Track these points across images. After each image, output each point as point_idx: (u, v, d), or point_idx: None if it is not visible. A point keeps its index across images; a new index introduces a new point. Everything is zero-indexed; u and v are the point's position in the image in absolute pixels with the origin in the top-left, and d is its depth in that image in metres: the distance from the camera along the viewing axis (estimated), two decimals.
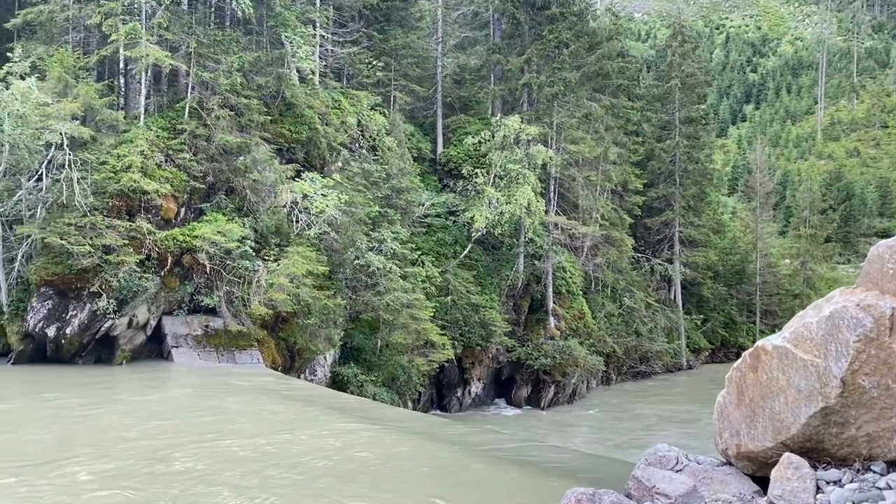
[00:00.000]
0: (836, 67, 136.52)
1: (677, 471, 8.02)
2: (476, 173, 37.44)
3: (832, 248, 68.55)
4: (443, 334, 32.57)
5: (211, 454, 13.40)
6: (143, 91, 26.01)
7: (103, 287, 22.62)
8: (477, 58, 44.46)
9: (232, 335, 24.45)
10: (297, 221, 27.00)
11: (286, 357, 26.49)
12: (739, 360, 7.60)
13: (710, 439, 8.16)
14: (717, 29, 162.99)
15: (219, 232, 24.20)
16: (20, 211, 23.64)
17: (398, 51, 40.27)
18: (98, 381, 21.69)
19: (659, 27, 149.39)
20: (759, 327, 57.93)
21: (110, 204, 23.53)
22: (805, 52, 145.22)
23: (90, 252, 22.30)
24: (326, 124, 31.88)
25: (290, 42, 29.34)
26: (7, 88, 23.08)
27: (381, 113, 36.85)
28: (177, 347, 24.09)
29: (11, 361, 23.23)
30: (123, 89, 27.30)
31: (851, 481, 6.54)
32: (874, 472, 6.56)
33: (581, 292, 42.96)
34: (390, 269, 29.55)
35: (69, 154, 23.04)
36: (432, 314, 31.64)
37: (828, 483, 6.63)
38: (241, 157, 26.52)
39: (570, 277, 41.53)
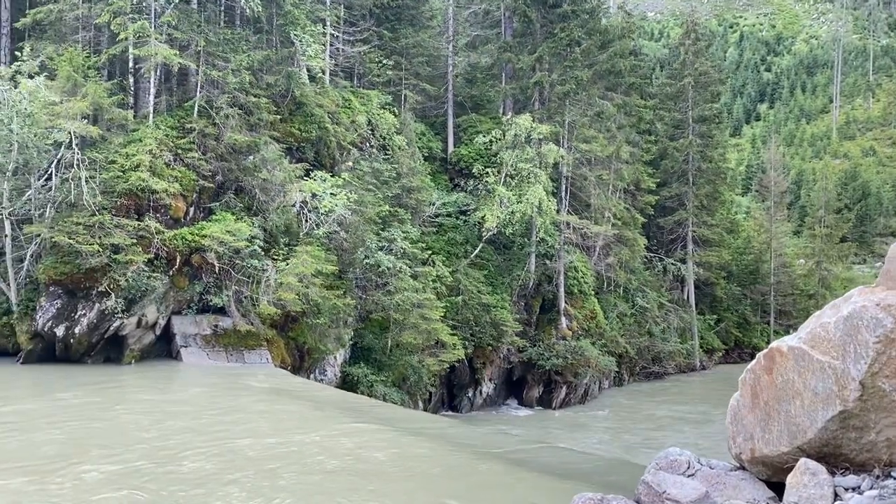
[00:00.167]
0: (851, 66, 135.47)
1: (689, 475, 7.80)
2: (487, 172, 37.25)
3: (848, 247, 67.92)
4: (453, 334, 32.43)
5: (222, 454, 13.35)
6: (153, 90, 25.94)
7: (112, 286, 22.55)
8: (488, 56, 44.24)
9: (241, 335, 24.35)
10: (306, 221, 26.87)
11: (295, 357, 26.37)
12: (753, 362, 7.37)
13: (724, 440, 7.96)
14: (731, 27, 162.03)
15: (228, 231, 24.10)
16: (29, 210, 23.60)
17: (409, 49, 40.12)
18: (108, 380, 21.63)
19: (672, 26, 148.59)
20: (773, 328, 57.56)
21: (119, 203, 23.46)
22: (820, 50, 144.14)
23: (98, 251, 22.24)
24: (336, 123, 31.76)
25: (300, 40, 29.22)
26: (15, 87, 23.03)
27: (391, 112, 36.71)
28: (186, 347, 24.01)
29: (21, 361, 23.20)
30: (133, 88, 27.23)
31: (871, 488, 6.32)
32: (895, 478, 6.32)
33: (593, 292, 42.71)
34: (400, 268, 29.41)
35: (77, 153, 22.98)
36: (443, 314, 31.50)
37: (846, 490, 6.42)
38: (251, 157, 26.41)
39: (582, 277, 41.27)
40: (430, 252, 33.74)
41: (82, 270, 22.46)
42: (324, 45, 33.08)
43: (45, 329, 22.83)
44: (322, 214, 26.55)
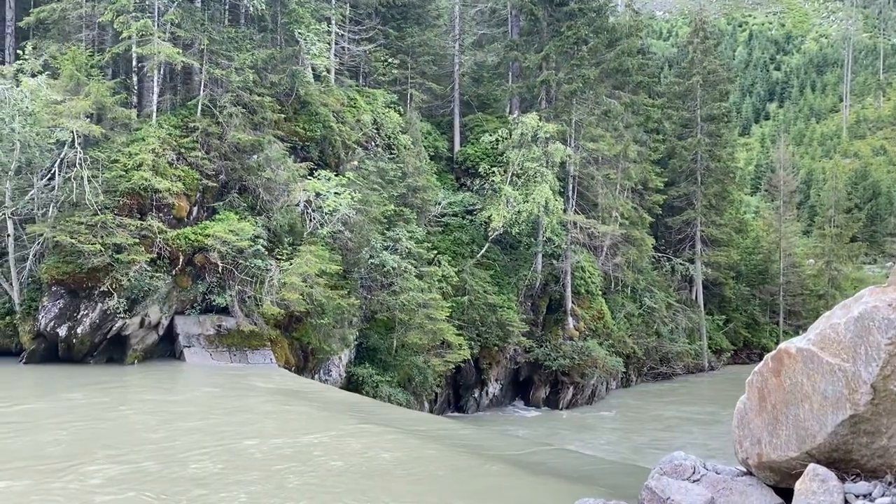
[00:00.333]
0: (861, 64, 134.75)
1: (694, 481, 7.57)
2: (493, 172, 37.04)
3: (858, 247, 67.45)
4: (459, 334, 32.25)
5: (228, 455, 13.32)
6: (156, 89, 25.84)
7: (114, 286, 22.45)
8: (494, 55, 44.00)
9: (244, 335, 24.21)
10: (310, 220, 26.71)
11: (300, 357, 26.22)
12: (761, 364, 7.14)
13: (733, 441, 7.77)
14: (740, 26, 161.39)
15: (231, 231, 23.97)
16: (32, 210, 23.51)
17: (415, 48, 39.93)
18: (111, 381, 21.56)
19: (681, 25, 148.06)
20: (782, 328, 57.20)
21: (121, 202, 23.36)
22: (830, 49, 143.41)
23: (101, 251, 22.13)
24: (341, 122, 31.60)
25: (304, 39, 29.05)
26: (17, 86, 22.92)
27: (397, 111, 36.52)
28: (189, 347, 23.89)
29: (23, 361, 23.11)
30: (136, 87, 27.13)
31: (883, 495, 6.10)
32: None
33: (600, 292, 42.45)
34: (405, 268, 29.23)
35: (80, 152, 22.87)
36: (449, 314, 31.31)
37: (857, 497, 6.21)
38: (255, 156, 26.26)
39: (589, 277, 41.02)
40: (435, 252, 33.57)
41: (84, 270, 22.36)
42: (329, 43, 32.92)
43: (48, 329, 22.73)
44: (326, 214, 26.38)
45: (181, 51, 25.40)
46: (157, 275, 23.34)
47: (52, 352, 23.32)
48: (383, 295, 29.21)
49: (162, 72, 26.11)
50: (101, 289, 22.55)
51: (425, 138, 38.94)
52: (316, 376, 27.16)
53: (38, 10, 26.63)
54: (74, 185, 22.52)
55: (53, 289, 22.78)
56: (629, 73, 46.40)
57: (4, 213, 23.32)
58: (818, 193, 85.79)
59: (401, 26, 40.45)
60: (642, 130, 50.05)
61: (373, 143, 34.00)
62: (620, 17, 55.01)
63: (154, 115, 25.65)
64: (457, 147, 41.67)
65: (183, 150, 25.23)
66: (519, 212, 35.28)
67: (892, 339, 5.92)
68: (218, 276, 24.51)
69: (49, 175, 23.49)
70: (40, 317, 22.78)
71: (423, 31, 40.99)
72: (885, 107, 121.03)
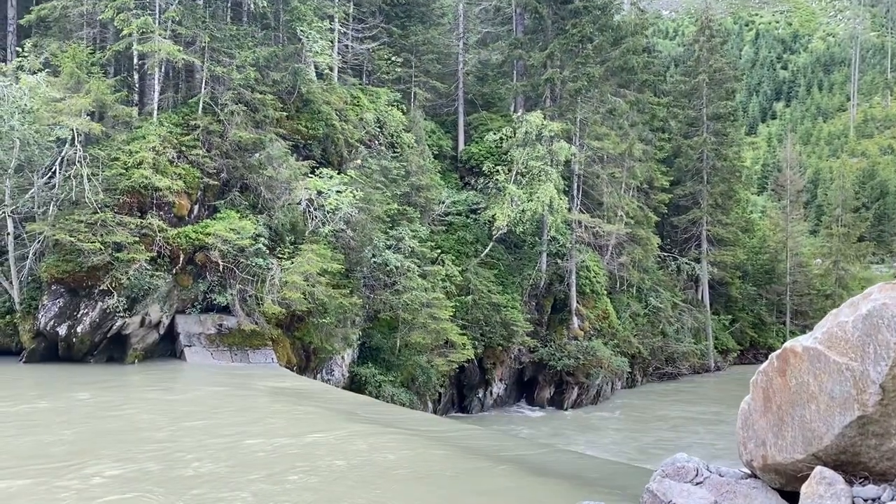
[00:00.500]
0: (869, 63, 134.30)
1: (697, 483, 7.38)
2: (497, 170, 36.84)
3: (865, 247, 67.11)
4: (463, 334, 32.07)
5: (231, 455, 13.22)
6: (157, 87, 25.70)
7: (114, 285, 22.31)
8: (499, 53, 43.80)
9: (245, 334, 24.05)
10: (312, 219, 26.54)
11: (301, 357, 26.06)
12: (766, 363, 6.93)
13: (736, 443, 7.56)
14: (747, 26, 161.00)
15: (232, 229, 23.81)
16: (32, 208, 23.39)
17: (419, 47, 39.76)
18: (112, 380, 21.45)
19: (687, 24, 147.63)
20: (789, 328, 57.00)
21: (121, 201, 23.22)
22: (837, 48, 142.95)
23: (100, 249, 21.99)
24: (344, 121, 31.44)
25: (307, 37, 28.89)
26: (16, 83, 22.80)
27: (400, 110, 36.35)
28: (190, 346, 23.73)
29: (23, 360, 22.98)
30: (138, 85, 27.01)
31: (892, 499, 5.96)
32: None
33: (605, 292, 42.24)
34: (409, 267, 29.05)
35: (80, 150, 22.73)
36: (452, 314, 31.15)
37: (865, 500, 6.06)
38: (257, 154, 26.11)
39: (594, 277, 40.81)
40: (439, 251, 33.40)
41: (84, 269, 22.22)
42: (331, 41, 32.75)
43: (48, 328, 22.60)
44: (328, 212, 26.21)
45: (182, 48, 25.24)
46: (158, 273, 23.20)
47: (52, 351, 23.19)
48: (386, 294, 29.04)
49: (163, 69, 25.97)
50: (101, 287, 22.41)
51: (429, 137, 38.79)
52: (318, 376, 26.99)
53: (39, 7, 26.53)
54: (74, 183, 22.39)
55: (53, 287, 22.65)
56: (634, 71, 46.16)
57: (4, 212, 23.20)
58: (825, 193, 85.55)
59: (404, 24, 40.29)
60: (648, 129, 49.81)
61: (376, 142, 33.84)
62: (626, 16, 54.72)
63: (155, 112, 25.52)
64: (461, 146, 41.49)
65: (184, 148, 25.09)
66: (523, 211, 35.08)
67: None
68: (219, 274, 24.35)
69: (49, 173, 23.35)
70: (40, 316, 22.65)
71: (427, 29, 40.82)
72: (893, 106, 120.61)
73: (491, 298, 34.78)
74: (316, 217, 26.47)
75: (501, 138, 38.46)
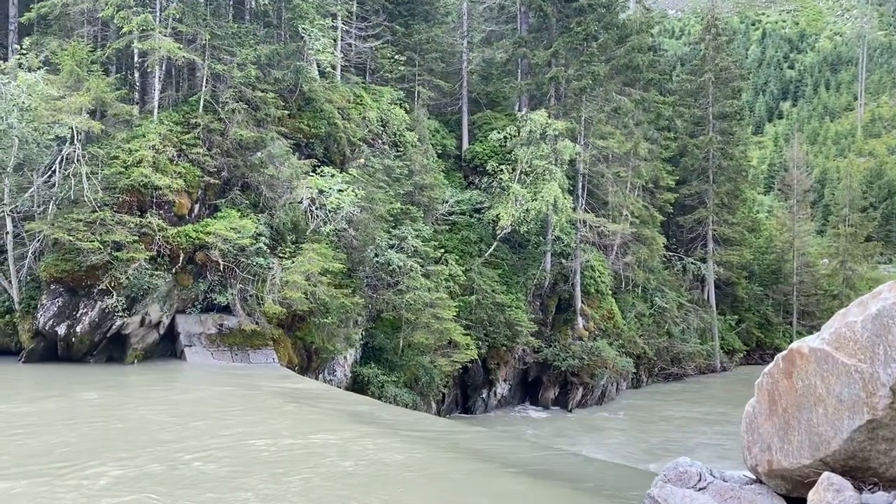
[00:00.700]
0: (876, 63, 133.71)
1: (700, 489, 7.15)
2: (501, 170, 36.65)
3: (873, 247, 66.69)
4: (467, 334, 31.87)
5: (235, 457, 13.10)
6: (158, 85, 25.53)
7: (112, 284, 22.13)
8: (503, 52, 43.57)
9: (246, 334, 23.86)
10: (314, 218, 26.35)
11: (303, 357, 25.86)
12: (771, 365, 6.70)
13: (741, 447, 7.33)
14: (753, 25, 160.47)
15: (232, 228, 23.63)
16: (32, 207, 23.24)
17: (422, 45, 39.55)
18: (112, 381, 21.32)
19: (693, 24, 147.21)
20: (796, 328, 56.70)
21: (120, 199, 23.04)
22: (844, 47, 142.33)
23: (99, 248, 21.82)
24: (347, 119, 31.24)
25: (308, 34, 28.69)
26: (15, 81, 22.65)
27: (403, 108, 36.15)
28: (190, 346, 23.55)
29: (22, 360, 22.85)
30: (139, 83, 26.86)
31: None
32: None
33: (610, 292, 42.00)
34: (412, 267, 28.84)
35: (79, 148, 22.57)
36: (456, 314, 30.94)
37: None
38: (258, 153, 25.92)
39: (599, 277, 40.57)
40: (443, 250, 33.20)
41: (83, 268, 22.05)
42: (334, 39, 32.56)
43: (47, 328, 22.44)
44: (330, 212, 26.01)
45: (182, 46, 25.07)
46: (158, 273, 23.01)
47: (52, 351, 23.03)
48: (389, 294, 28.85)
49: (163, 67, 25.80)
50: (100, 287, 22.24)
51: (433, 136, 38.59)
52: (320, 376, 26.81)
53: (39, 5, 26.37)
54: (73, 181, 22.23)
55: (52, 287, 22.50)
56: (640, 69, 45.87)
57: (3, 211, 23.06)
58: (832, 192, 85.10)
59: (408, 23, 40.07)
60: (653, 128, 49.52)
61: (379, 141, 33.63)
62: (632, 15, 54.42)
63: (156, 111, 25.35)
64: (465, 145, 41.29)
65: (184, 147, 24.91)
66: (527, 210, 34.86)
67: None
68: (219, 274, 24.17)
69: (49, 172, 23.20)
70: (39, 315, 22.50)
71: (431, 27, 40.60)
72: None
73: (495, 298, 34.56)
74: (317, 216, 26.27)
75: (505, 137, 38.26)
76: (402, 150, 34.45)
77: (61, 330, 22.43)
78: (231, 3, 29.10)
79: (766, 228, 65.99)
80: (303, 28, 28.76)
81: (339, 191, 26.04)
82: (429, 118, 38.77)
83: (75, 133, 22.69)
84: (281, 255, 24.83)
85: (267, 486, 11.23)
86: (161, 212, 23.65)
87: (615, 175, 41.57)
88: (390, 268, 28.85)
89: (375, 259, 28.82)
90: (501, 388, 36.88)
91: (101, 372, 22.15)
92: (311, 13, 29.14)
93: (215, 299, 24.34)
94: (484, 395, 36.09)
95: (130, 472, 11.72)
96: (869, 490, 5.98)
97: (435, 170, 36.01)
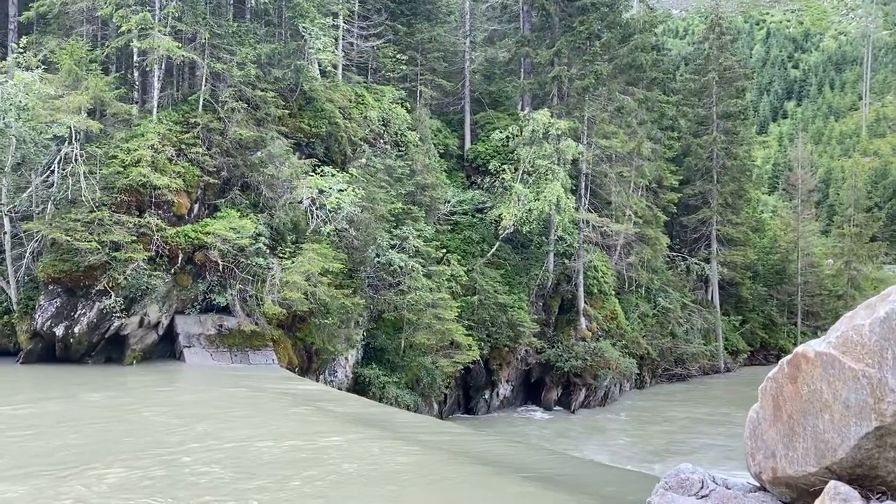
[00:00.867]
0: (881, 62, 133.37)
1: (702, 497, 6.96)
2: (504, 169, 36.45)
3: (878, 247, 66.39)
4: (469, 335, 31.70)
5: (238, 459, 13.00)
6: (157, 84, 25.37)
7: (111, 285, 21.97)
8: (506, 51, 43.37)
9: (246, 335, 23.69)
10: (314, 218, 26.17)
11: (303, 357, 25.69)
12: (775, 369, 6.48)
13: (744, 454, 7.13)
14: (758, 24, 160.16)
15: (231, 228, 23.45)
16: (30, 207, 23.09)
17: (424, 45, 39.36)
18: (111, 382, 21.18)
19: (697, 24, 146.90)
20: (800, 329, 56.48)
21: (119, 199, 22.88)
22: (849, 46, 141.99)
23: (97, 249, 21.66)
24: (348, 119, 31.05)
25: (309, 33, 28.51)
26: (11, 80, 22.50)
27: (406, 108, 35.98)
28: (189, 347, 23.39)
29: (20, 361, 22.71)
30: (139, 82, 26.71)
31: None
32: None
33: (614, 292, 41.78)
34: (413, 267, 28.67)
35: (76, 148, 22.42)
36: (458, 314, 30.78)
37: None
38: (258, 152, 25.74)
39: (603, 277, 40.35)
40: (445, 251, 33.04)
41: (81, 268, 21.91)
42: (335, 38, 32.38)
43: (45, 328, 22.30)
44: (330, 212, 25.83)
45: (182, 45, 24.91)
46: (156, 273, 22.85)
47: (50, 351, 22.90)
48: (390, 294, 28.69)
49: (163, 67, 25.64)
50: (98, 287, 22.10)
51: (435, 135, 38.41)
52: (321, 377, 26.66)
53: (38, 4, 26.22)
54: (71, 181, 22.07)
55: (50, 287, 22.35)
56: (643, 68, 45.59)
57: (1, 211, 22.93)
58: (837, 192, 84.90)
59: (410, 22, 39.89)
60: (657, 127, 49.29)
61: (380, 141, 33.46)
62: (635, 15, 54.15)
63: (155, 110, 25.19)
64: (467, 145, 41.11)
65: (183, 147, 24.75)
66: (530, 210, 34.68)
67: None
68: (219, 274, 24.00)
69: (48, 172, 23.04)
70: (37, 316, 22.35)
71: (433, 27, 40.41)
72: None
73: (497, 299, 34.38)
74: (318, 216, 26.09)
75: (508, 137, 38.08)
76: (403, 149, 34.28)
77: (59, 331, 22.29)
78: (231, 1, 28.97)
79: (771, 228, 65.74)
80: (303, 27, 28.58)
81: (340, 191, 25.86)
82: (431, 118, 38.58)
83: (73, 132, 22.53)
84: (281, 255, 24.65)
85: (268, 490, 11.15)
86: (160, 212, 23.48)
87: (618, 175, 41.36)
88: (392, 268, 28.69)
89: (377, 259, 28.66)
90: (504, 389, 36.70)
91: (100, 373, 22.01)
92: (312, 12, 28.97)
93: (214, 300, 24.18)
94: (486, 396, 35.92)
95: (132, 476, 11.63)
96: (877, 499, 5.79)
97: (437, 169, 35.84)
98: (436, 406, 31.68)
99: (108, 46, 25.55)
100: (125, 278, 22.01)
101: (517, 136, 37.39)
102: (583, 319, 38.58)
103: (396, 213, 30.58)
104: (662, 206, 48.30)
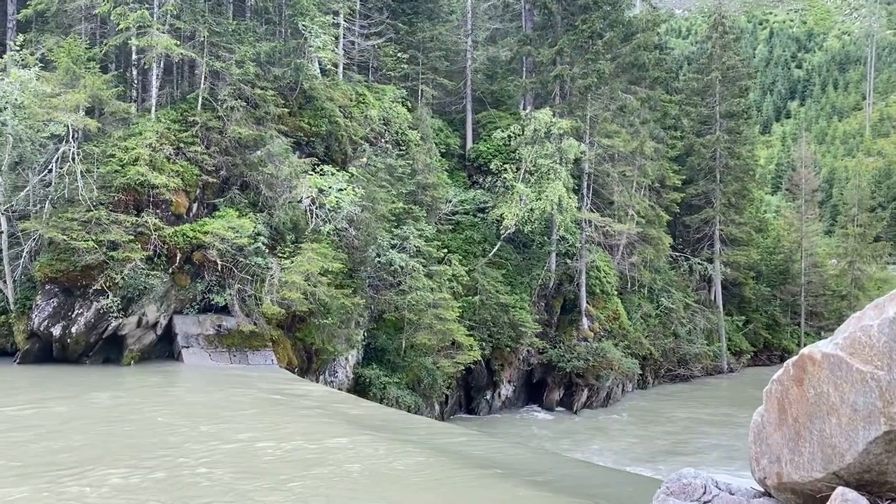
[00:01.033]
0: (885, 62, 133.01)
1: (704, 503, 6.75)
2: (505, 169, 36.22)
3: (882, 247, 66.04)
4: (470, 335, 31.52)
5: (238, 461, 12.95)
6: (156, 82, 25.19)
7: (108, 284, 21.79)
8: (508, 50, 43.17)
9: (245, 335, 23.52)
10: (313, 217, 25.98)
11: (303, 358, 25.51)
12: (781, 371, 6.28)
13: (749, 459, 6.92)
14: (761, 24, 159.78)
15: (230, 228, 23.27)
16: (27, 206, 22.92)
17: (426, 43, 39.14)
18: (110, 382, 21.02)
19: (700, 24, 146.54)
20: (804, 329, 56.15)
21: (116, 198, 22.71)
22: (852, 46, 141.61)
23: (94, 248, 21.48)
24: (349, 118, 30.86)
25: (309, 31, 28.31)
26: (7, 78, 22.33)
27: (407, 107, 35.78)
28: (187, 347, 23.23)
29: (17, 361, 22.56)
30: (138, 81, 26.55)
31: None
32: None
33: (616, 292, 41.56)
34: (414, 267, 28.48)
35: (73, 146, 22.25)
36: (459, 314, 30.60)
37: None
38: (257, 151, 25.55)
39: (605, 277, 40.13)
40: (446, 250, 32.84)
41: (78, 268, 21.75)
42: (335, 36, 32.18)
43: (42, 328, 22.13)
44: (330, 211, 25.64)
45: (180, 43, 24.72)
46: (154, 273, 22.67)
47: (47, 352, 22.76)
48: (391, 294, 28.51)
49: (162, 65, 25.47)
50: (96, 287, 21.93)
51: (436, 135, 38.23)
52: (321, 378, 26.49)
53: (36, 2, 26.06)
54: (68, 180, 21.90)
55: (47, 287, 22.19)
56: (646, 67, 45.34)
57: None
58: (841, 192, 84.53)
59: (412, 21, 39.68)
60: (659, 127, 49.01)
61: (381, 140, 33.27)
62: (638, 14, 53.88)
63: (153, 108, 25.02)
64: (469, 144, 40.91)
65: (182, 145, 24.57)
66: (532, 210, 34.47)
67: None
68: (217, 274, 23.82)
69: (46, 171, 22.86)
70: (34, 316, 22.19)
71: (435, 25, 40.18)
72: None
73: (499, 299, 34.17)
74: (318, 216, 25.90)
75: (510, 136, 37.88)
76: (404, 148, 34.10)
77: (56, 331, 22.13)
78: (231, 0, 28.76)
79: (774, 228, 65.44)
80: (303, 25, 28.38)
81: (340, 190, 25.66)
82: (432, 117, 38.39)
83: (71, 131, 22.36)
84: (280, 254, 24.48)
85: (270, 491, 11.10)
86: (158, 211, 23.30)
87: (621, 174, 41.11)
88: (392, 268, 28.51)
89: (377, 259, 28.48)
90: (506, 390, 36.50)
91: (98, 373, 21.87)
92: (312, 10, 28.78)
93: (213, 300, 24.01)
94: (488, 397, 35.71)
95: (133, 478, 11.51)
96: None
97: (438, 169, 35.65)
98: (437, 407, 31.49)
99: (106, 44, 25.38)
100: (122, 278, 21.84)
101: (519, 135, 37.19)
102: (585, 320, 38.35)
103: (397, 212, 30.40)
104: (665, 206, 48.05)
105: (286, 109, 27.83)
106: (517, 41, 41.75)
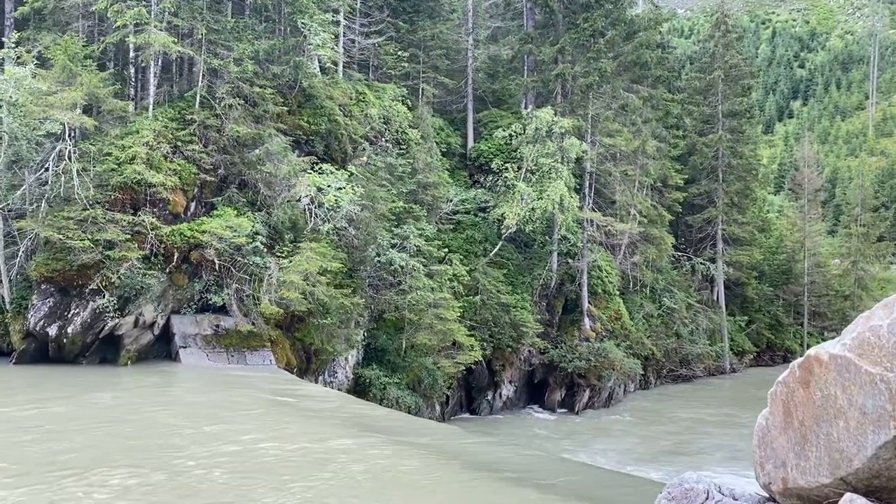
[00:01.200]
0: (888, 61, 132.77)
1: None
2: (507, 168, 36.06)
3: (885, 247, 65.87)
4: (471, 335, 31.37)
5: (239, 463, 12.86)
6: (153, 80, 25.03)
7: (104, 284, 21.62)
8: (509, 49, 43.03)
9: (243, 335, 23.35)
10: (312, 216, 25.79)
11: (302, 358, 25.34)
12: (786, 373, 6.05)
13: (752, 463, 6.73)
14: (763, 24, 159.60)
15: (228, 227, 23.09)
16: (24, 205, 22.75)
17: (427, 42, 38.98)
18: (106, 383, 20.88)
19: (702, 23, 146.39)
20: (807, 329, 55.96)
21: (113, 197, 22.54)
22: (855, 46, 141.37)
23: (91, 247, 21.31)
24: (348, 116, 30.68)
25: (308, 29, 28.14)
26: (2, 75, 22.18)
27: (407, 106, 35.61)
28: (185, 348, 23.05)
29: (13, 361, 22.41)
30: (135, 79, 26.38)
31: None
32: None
33: (618, 292, 41.39)
34: (414, 266, 28.31)
35: (70, 145, 22.08)
36: (460, 314, 30.43)
37: None
38: (256, 150, 25.37)
39: (607, 277, 39.97)
40: (447, 250, 32.68)
41: (74, 267, 21.60)
42: (335, 34, 32.02)
43: (38, 328, 21.98)
44: (329, 210, 25.46)
45: (178, 40, 24.55)
46: (151, 272, 22.50)
47: (43, 352, 22.60)
48: (391, 294, 28.34)
49: (160, 63, 25.31)
50: (92, 287, 21.77)
51: (437, 134, 38.07)
52: (320, 378, 26.34)
53: None
54: (65, 178, 21.73)
55: (43, 287, 22.03)
56: (648, 66, 45.15)
57: None
58: (844, 192, 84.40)
59: (412, 19, 39.52)
60: (661, 126, 48.83)
61: (382, 139, 33.10)
62: (641, 13, 53.70)
63: (151, 106, 24.85)
64: (470, 143, 40.75)
65: (179, 144, 24.39)
66: (533, 209, 34.31)
67: None
68: (215, 274, 23.65)
69: (42, 169, 22.69)
70: (30, 315, 22.04)
71: (436, 24, 40.03)
72: None
73: (500, 299, 34.01)
74: (317, 215, 25.72)
75: (511, 135, 37.74)
76: (405, 147, 33.95)
77: (52, 331, 21.97)
78: None
79: (777, 228, 65.32)
80: (302, 23, 28.22)
81: (339, 189, 25.47)
82: (433, 116, 38.22)
83: (67, 129, 22.19)
84: (279, 254, 24.31)
85: (271, 493, 11.04)
86: (155, 210, 23.14)
87: (623, 173, 40.92)
88: (392, 267, 28.35)
89: (377, 259, 28.31)
90: (507, 390, 36.35)
91: (95, 374, 21.74)
92: (312, 8, 28.61)
93: (211, 299, 23.85)
94: (489, 397, 35.58)
95: (134, 480, 11.48)
96: None
97: (439, 168, 35.49)
98: (438, 407, 31.34)
99: (103, 42, 25.23)
100: (119, 277, 21.68)
101: (520, 134, 37.04)
102: (587, 319, 38.18)
103: (397, 211, 30.24)
104: (667, 206, 47.88)
105: (285, 108, 27.67)
106: (518, 40, 41.58)
